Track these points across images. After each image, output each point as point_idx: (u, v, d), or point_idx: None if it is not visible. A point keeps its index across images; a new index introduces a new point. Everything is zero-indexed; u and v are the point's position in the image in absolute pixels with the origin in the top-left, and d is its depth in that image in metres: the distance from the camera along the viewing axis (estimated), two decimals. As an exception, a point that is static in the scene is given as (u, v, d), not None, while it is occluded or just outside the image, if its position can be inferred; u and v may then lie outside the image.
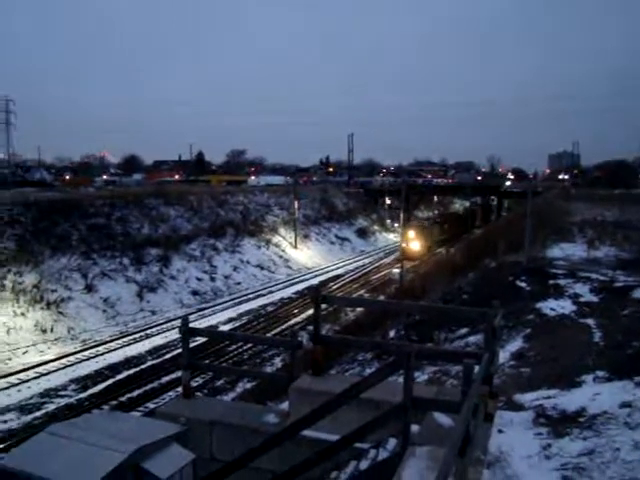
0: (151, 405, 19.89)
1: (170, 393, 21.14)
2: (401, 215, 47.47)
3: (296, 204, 54.20)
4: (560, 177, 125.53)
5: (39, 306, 28.43)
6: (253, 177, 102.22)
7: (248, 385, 22.09)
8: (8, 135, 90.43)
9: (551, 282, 19.74)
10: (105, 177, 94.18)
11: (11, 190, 45.58)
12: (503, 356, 11.10)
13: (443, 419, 6.44)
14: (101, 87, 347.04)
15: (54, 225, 34.49)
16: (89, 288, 31.67)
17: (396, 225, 50.08)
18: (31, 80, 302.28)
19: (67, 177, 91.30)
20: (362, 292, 39.94)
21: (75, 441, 6.84)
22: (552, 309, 16.05)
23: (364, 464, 6.77)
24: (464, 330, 15.90)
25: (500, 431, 7.08)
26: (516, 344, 13.09)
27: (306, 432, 7.00)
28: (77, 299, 30.44)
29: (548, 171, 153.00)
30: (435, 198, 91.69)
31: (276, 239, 51.95)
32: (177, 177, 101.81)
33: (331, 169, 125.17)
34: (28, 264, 30.45)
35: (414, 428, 6.28)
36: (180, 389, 9.74)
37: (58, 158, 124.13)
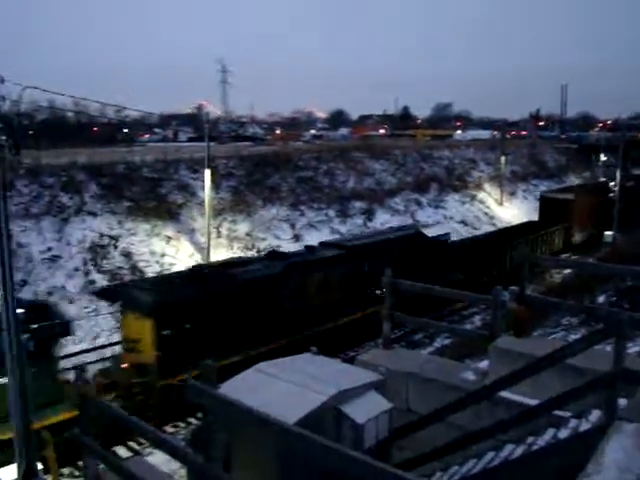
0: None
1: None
2: (617, 173, 44.08)
3: (503, 159, 52.33)
4: None
5: (250, 253, 30.36)
6: (459, 131, 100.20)
7: (446, 341, 22.08)
8: (224, 93, 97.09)
9: None
10: (313, 132, 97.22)
11: (226, 145, 48.75)
12: None
13: (657, 396, 6.00)
14: (307, 42, 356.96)
15: (265, 177, 36.43)
16: (296, 238, 33.20)
17: (611, 184, 46.27)
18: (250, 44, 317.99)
19: (277, 132, 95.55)
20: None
21: (281, 380, 7.29)
22: None
23: (563, 433, 6.52)
24: (686, 301, 14.61)
25: None
26: None
27: (504, 393, 6.87)
28: (285, 248, 32.09)
29: None
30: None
31: (481, 195, 50.74)
32: (382, 131, 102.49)
33: (542, 123, 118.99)
34: (241, 213, 32.58)
35: (622, 402, 5.92)
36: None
37: (269, 114, 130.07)
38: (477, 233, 41.42)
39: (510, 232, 35.78)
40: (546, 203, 42.25)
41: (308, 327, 19.69)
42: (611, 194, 44.37)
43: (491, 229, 43.50)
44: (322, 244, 23.60)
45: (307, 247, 22.97)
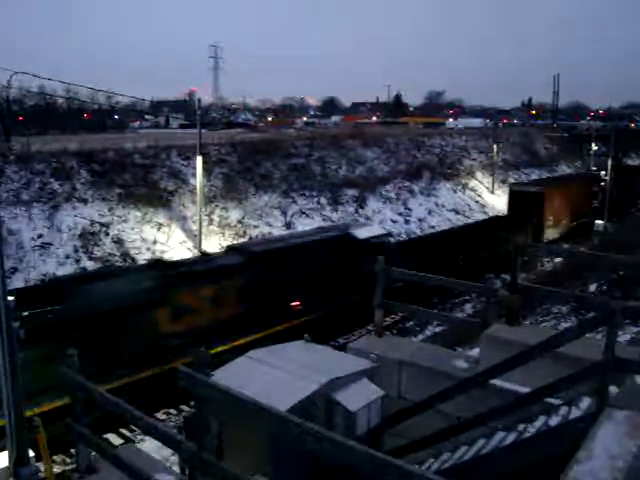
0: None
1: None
2: (608, 163, 44.26)
3: (495, 148, 52.36)
4: None
5: (242, 240, 30.30)
6: (451, 119, 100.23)
7: (438, 329, 22.19)
8: (216, 79, 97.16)
9: None
10: (305, 119, 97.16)
11: (218, 131, 48.64)
12: None
13: (647, 384, 6.04)
14: (301, 31, 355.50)
15: (257, 164, 36.32)
16: (288, 225, 33.15)
17: (602, 173, 46.34)
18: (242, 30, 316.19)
19: (269, 119, 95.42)
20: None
21: (273, 367, 7.32)
22: None
23: (554, 420, 6.57)
24: (676, 289, 14.71)
25: None
26: None
27: (496, 381, 6.92)
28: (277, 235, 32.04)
29: None
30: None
31: (472, 183, 50.73)
32: (374, 119, 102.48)
33: (533, 112, 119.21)
34: (233, 200, 32.50)
35: (612, 390, 5.97)
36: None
37: (261, 100, 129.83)
38: (469, 222, 41.32)
39: (468, 230, 32.10)
40: (515, 197, 38.25)
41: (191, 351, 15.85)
42: (602, 183, 44.43)
43: (483, 217, 43.49)
44: (229, 248, 20.60)
45: (203, 254, 19.86)
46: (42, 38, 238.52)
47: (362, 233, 22.36)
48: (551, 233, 37.08)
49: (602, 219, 40.51)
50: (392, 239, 28.63)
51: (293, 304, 19.36)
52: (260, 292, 18.19)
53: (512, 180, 54.25)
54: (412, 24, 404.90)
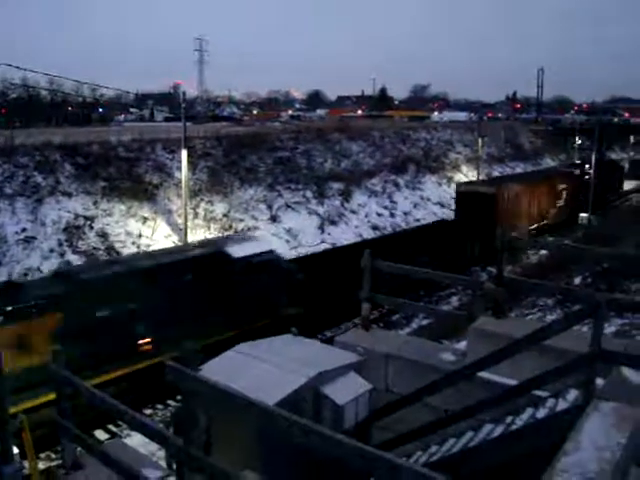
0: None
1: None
2: (592, 156, 44.56)
3: (480, 141, 52.54)
4: None
5: (228, 234, 30.22)
6: (436, 113, 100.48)
7: (424, 322, 22.26)
8: (201, 73, 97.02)
9: None
10: (290, 112, 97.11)
11: (204, 125, 48.45)
12: None
13: (633, 376, 6.07)
14: (289, 25, 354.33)
15: (242, 158, 36.19)
16: (273, 219, 33.09)
17: (587, 166, 46.68)
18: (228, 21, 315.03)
19: (255, 112, 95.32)
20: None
21: (261, 361, 7.29)
22: None
23: (541, 412, 6.59)
24: (660, 281, 14.83)
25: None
26: None
27: (483, 373, 6.92)
28: (262, 229, 31.90)
29: None
30: (632, 139, 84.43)
31: (458, 177, 50.88)
32: (359, 112, 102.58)
33: (518, 105, 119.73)
34: (219, 194, 32.37)
35: (598, 382, 6.00)
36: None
37: (246, 94, 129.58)
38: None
39: (392, 241, 27.20)
40: (463, 198, 33.11)
41: None
42: (586, 177, 44.68)
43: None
44: (55, 273, 16.40)
45: (8, 283, 15.18)
46: (42, 38, 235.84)
47: (239, 250, 18.55)
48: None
49: (586, 212, 40.84)
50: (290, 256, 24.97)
51: (141, 342, 15.78)
52: (89, 330, 14.33)
53: (496, 173, 54.49)
54: (411, 23, 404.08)
